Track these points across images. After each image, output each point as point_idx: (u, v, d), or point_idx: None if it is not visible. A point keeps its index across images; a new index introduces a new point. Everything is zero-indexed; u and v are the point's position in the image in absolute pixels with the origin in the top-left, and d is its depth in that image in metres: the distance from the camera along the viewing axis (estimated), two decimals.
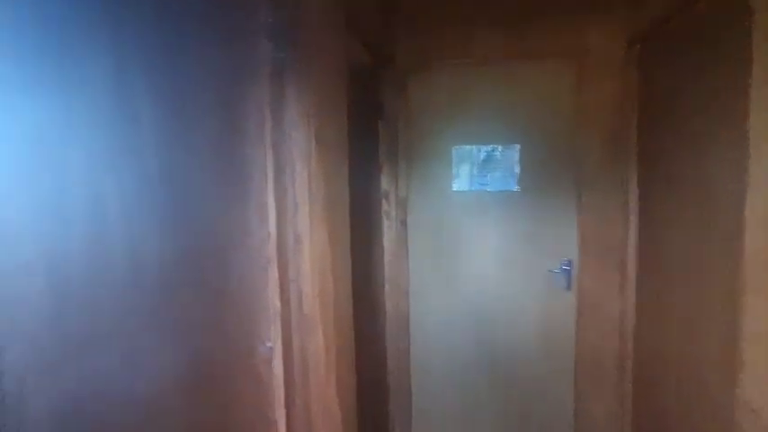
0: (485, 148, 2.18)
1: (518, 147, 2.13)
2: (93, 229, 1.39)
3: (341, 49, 1.31)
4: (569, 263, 2.08)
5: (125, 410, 1.38)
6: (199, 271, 1.25)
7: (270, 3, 1.05)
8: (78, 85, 1.39)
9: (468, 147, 2.20)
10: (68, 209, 1.39)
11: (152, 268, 1.33)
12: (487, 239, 2.19)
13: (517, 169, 2.14)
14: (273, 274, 1.16)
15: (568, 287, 2.09)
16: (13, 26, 1.43)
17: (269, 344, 1.18)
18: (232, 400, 1.22)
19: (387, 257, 2.25)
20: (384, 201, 2.25)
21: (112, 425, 1.39)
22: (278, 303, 1.17)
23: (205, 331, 1.26)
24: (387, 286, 2.22)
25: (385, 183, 2.25)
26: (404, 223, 2.29)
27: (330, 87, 1.26)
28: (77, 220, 1.40)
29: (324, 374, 1.19)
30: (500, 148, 2.16)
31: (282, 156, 1.14)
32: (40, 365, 1.46)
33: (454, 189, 2.24)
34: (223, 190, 1.20)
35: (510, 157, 2.14)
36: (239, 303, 1.21)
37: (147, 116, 1.30)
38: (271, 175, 1.14)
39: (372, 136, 2.20)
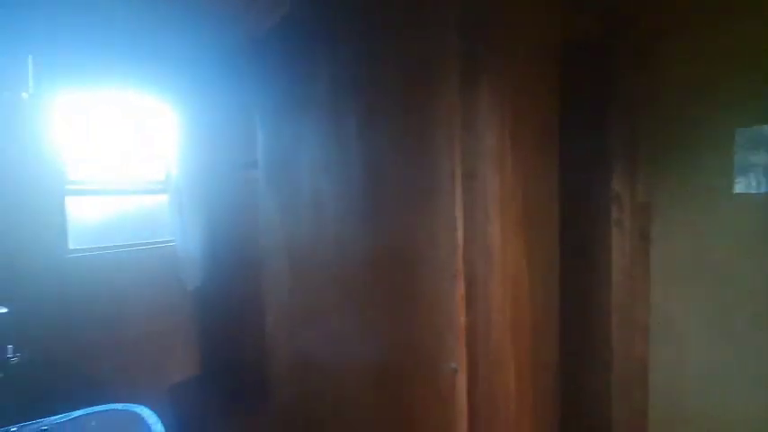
0: None
1: None
2: (314, 225, 1.66)
3: (552, 25, 1.06)
4: None
5: (334, 378, 1.59)
6: (390, 275, 1.28)
7: None
8: (305, 106, 1.67)
9: (766, 126, 1.46)
10: (300, 206, 1.70)
11: (354, 264, 1.46)
12: None
13: None
14: (460, 290, 1.05)
15: None
16: (267, 64, 1.84)
17: (453, 365, 1.08)
18: (415, 410, 1.19)
19: (615, 278, 1.76)
20: (614, 207, 1.77)
21: (326, 383, 1.63)
22: (463, 323, 1.05)
23: (394, 334, 1.28)
24: (614, 317, 1.74)
25: (616, 184, 1.76)
26: (644, 236, 1.74)
27: (534, 78, 1.04)
28: (305, 216, 1.69)
29: (514, 418, 0.99)
30: None
31: (472, 161, 1.01)
32: (283, 327, 1.86)
33: (737, 191, 1.53)
34: (412, 196, 1.18)
35: None
36: (425, 314, 1.16)
37: (353, 126, 1.43)
38: (459, 182, 1.03)
39: (598, 125, 1.76)
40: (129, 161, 2.15)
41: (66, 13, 1.63)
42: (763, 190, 1.46)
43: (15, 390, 1.51)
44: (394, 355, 1.27)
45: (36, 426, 1.36)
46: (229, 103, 2.19)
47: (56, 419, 1.42)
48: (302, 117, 1.62)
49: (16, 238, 1.70)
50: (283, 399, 1.85)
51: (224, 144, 2.25)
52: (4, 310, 1.12)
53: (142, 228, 2.16)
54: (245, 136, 2.06)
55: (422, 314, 1.17)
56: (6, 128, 1.60)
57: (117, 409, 1.57)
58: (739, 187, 1.51)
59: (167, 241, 2.18)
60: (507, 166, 0.98)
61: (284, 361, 1.81)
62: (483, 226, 1.01)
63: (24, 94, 1.00)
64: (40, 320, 1.65)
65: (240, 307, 2.23)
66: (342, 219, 1.45)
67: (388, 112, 1.24)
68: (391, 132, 1.24)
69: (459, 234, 1.03)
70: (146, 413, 1.53)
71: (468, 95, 1.01)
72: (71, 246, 1.89)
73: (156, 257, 2.12)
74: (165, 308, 2.15)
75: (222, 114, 2.24)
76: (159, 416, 1.51)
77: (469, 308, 1.04)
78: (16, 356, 1.14)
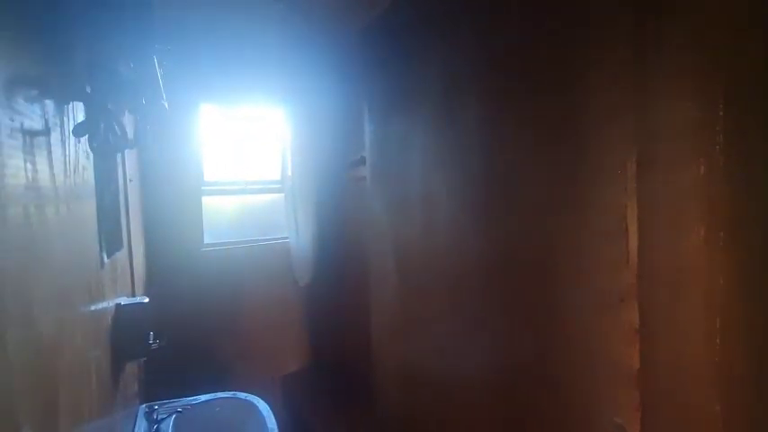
0: None
1: None
2: (424, 226, 1.48)
3: None
4: None
5: (441, 391, 1.40)
6: (518, 288, 1.04)
7: None
8: (414, 98, 1.51)
9: None
10: (408, 206, 1.54)
11: (470, 273, 1.23)
12: None
13: None
14: (629, 319, 0.78)
15: None
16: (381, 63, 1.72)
17: (618, 420, 0.81)
18: None
19: None
20: None
21: (432, 394, 1.45)
22: (635, 364, 0.78)
23: (523, 363, 1.04)
24: None
25: None
26: None
27: (745, 22, 0.71)
28: (414, 217, 1.53)
29: None
30: None
31: (655, 143, 0.73)
32: (389, 331, 1.73)
33: None
34: (550, 193, 0.93)
35: None
36: (572, 348, 0.90)
37: (471, 116, 1.21)
38: (632, 173, 0.76)
39: None
40: (252, 163, 2.30)
41: (208, 45, 1.79)
42: None
43: (155, 372, 1.70)
44: (522, 390, 1.04)
45: (173, 405, 1.48)
46: (337, 103, 2.18)
47: (187, 401, 1.54)
48: (411, 111, 1.47)
49: (163, 234, 1.92)
50: (388, 401, 1.74)
51: (332, 143, 2.26)
52: (146, 299, 1.21)
53: (262, 225, 2.29)
54: (352, 134, 2.02)
55: (569, 348, 0.91)
56: (154, 134, 1.82)
57: (238, 397, 1.64)
58: None
59: (283, 238, 2.26)
60: (711, 149, 0.67)
61: (390, 364, 1.70)
62: (669, 235, 0.72)
63: (165, 103, 1.04)
64: (176, 310, 1.82)
65: (347, 306, 2.21)
66: (456, 221, 1.26)
67: (519, 93, 1.01)
68: (522, 118, 1.01)
69: (632, 244, 0.76)
70: (261, 405, 1.57)
71: (648, 49, 0.73)
72: (206, 241, 2.08)
73: (273, 253, 2.22)
74: (280, 302, 2.24)
75: (331, 114, 2.24)
76: (269, 403, 1.55)
77: (644, 345, 0.76)
78: (156, 342, 1.23)
